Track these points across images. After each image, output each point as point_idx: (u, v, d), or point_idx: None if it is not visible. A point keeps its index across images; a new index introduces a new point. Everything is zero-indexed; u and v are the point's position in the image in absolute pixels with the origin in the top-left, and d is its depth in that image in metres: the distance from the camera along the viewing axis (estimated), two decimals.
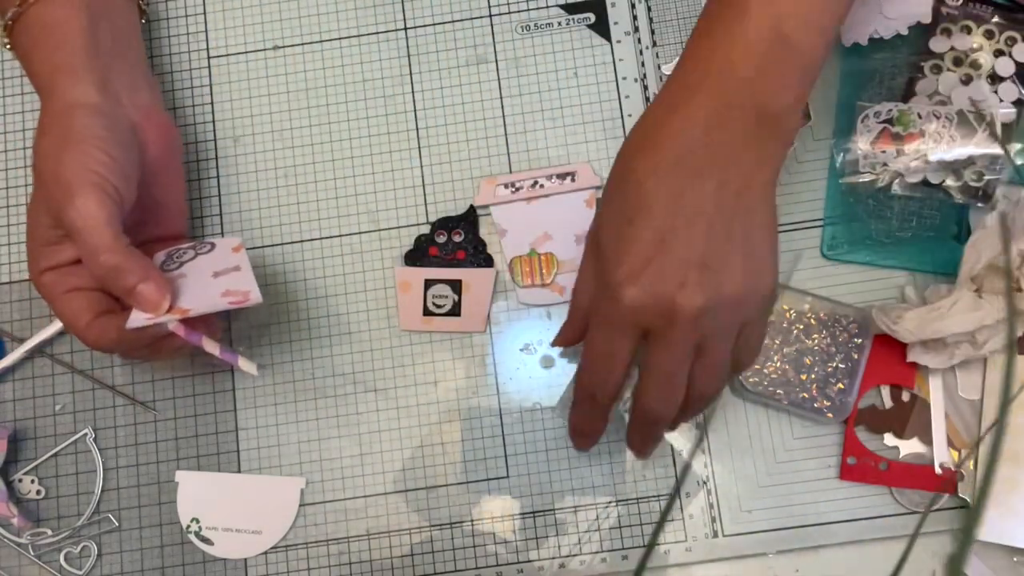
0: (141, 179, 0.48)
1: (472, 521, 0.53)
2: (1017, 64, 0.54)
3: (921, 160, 0.53)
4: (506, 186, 0.56)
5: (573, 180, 0.56)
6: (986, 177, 0.53)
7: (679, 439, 0.53)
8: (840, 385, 0.52)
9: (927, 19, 0.54)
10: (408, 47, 0.58)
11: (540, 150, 0.57)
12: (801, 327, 0.53)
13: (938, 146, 0.53)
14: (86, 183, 0.44)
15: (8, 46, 0.51)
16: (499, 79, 0.58)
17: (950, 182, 0.53)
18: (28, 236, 0.47)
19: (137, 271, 0.45)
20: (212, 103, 0.58)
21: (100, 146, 0.46)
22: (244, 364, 0.47)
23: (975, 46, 0.55)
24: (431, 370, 0.55)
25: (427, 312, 0.55)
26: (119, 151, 0.46)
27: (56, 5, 0.48)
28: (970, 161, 0.53)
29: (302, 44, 0.59)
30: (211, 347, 0.46)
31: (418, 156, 0.57)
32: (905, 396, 0.53)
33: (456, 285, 0.55)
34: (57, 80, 0.47)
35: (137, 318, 0.45)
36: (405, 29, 0.59)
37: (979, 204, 0.53)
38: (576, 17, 0.58)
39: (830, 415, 0.51)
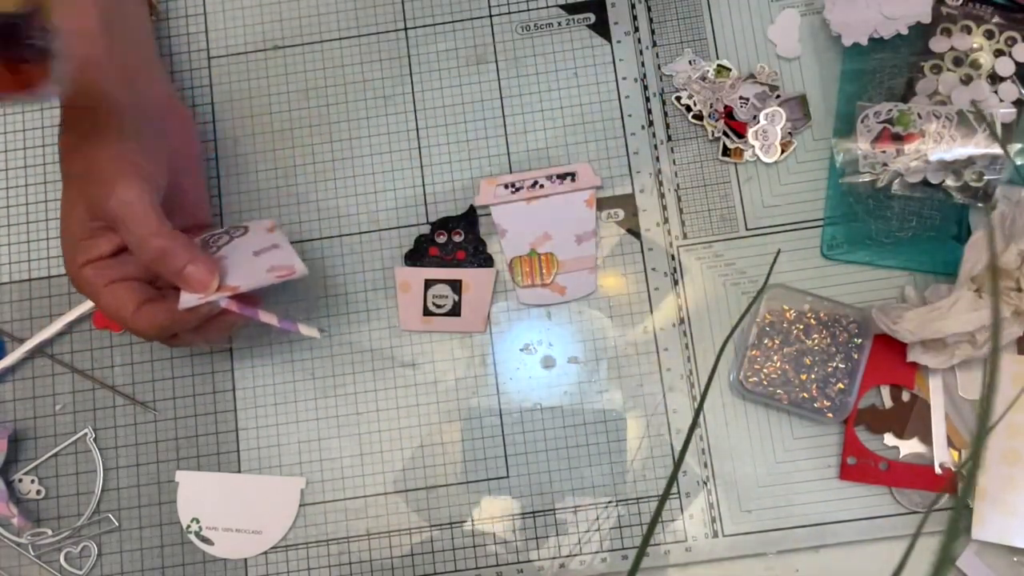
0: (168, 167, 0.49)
1: (472, 521, 0.53)
2: (1017, 64, 0.54)
3: (921, 160, 0.53)
4: (506, 186, 0.56)
5: (573, 180, 0.56)
6: (986, 177, 0.53)
7: (680, 439, 0.53)
8: (840, 385, 0.52)
9: (927, 19, 0.54)
10: (408, 47, 0.58)
11: (540, 150, 0.57)
12: (801, 327, 0.53)
13: (938, 146, 0.53)
14: (123, 172, 0.45)
15: None
16: (499, 79, 0.58)
17: (950, 182, 0.53)
18: (64, 233, 0.47)
19: (184, 253, 0.45)
20: (212, 103, 0.58)
21: (130, 136, 0.46)
22: (305, 329, 0.48)
23: (975, 46, 0.55)
24: (431, 370, 0.55)
25: (427, 312, 0.55)
26: (148, 140, 0.47)
27: (68, 4, 0.48)
28: (970, 161, 0.53)
29: (302, 44, 0.59)
30: (268, 318, 0.47)
31: (418, 156, 0.57)
32: (905, 396, 0.53)
33: (456, 285, 0.55)
34: (75, 76, 0.47)
35: (189, 299, 0.46)
36: (405, 29, 0.59)
37: (979, 204, 0.53)
38: (576, 17, 0.58)
39: (830, 415, 0.51)
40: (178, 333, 0.48)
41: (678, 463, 0.30)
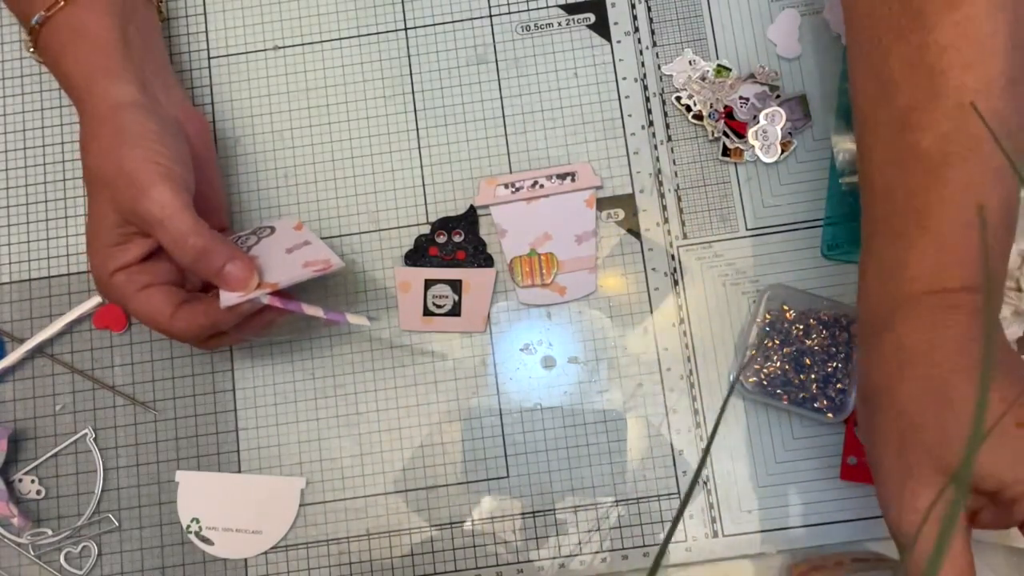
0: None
1: (472, 521, 0.53)
2: None
3: None
4: (506, 186, 0.56)
5: (573, 180, 0.56)
6: None
7: (680, 439, 0.53)
8: (840, 385, 0.52)
9: None
10: (408, 47, 0.58)
11: (540, 150, 0.57)
12: (801, 327, 0.53)
13: None
14: (155, 174, 0.45)
15: (33, 50, 0.51)
16: (499, 79, 0.58)
17: None
18: (92, 240, 0.47)
19: (223, 252, 0.46)
20: (212, 103, 0.58)
21: (157, 139, 0.46)
22: (353, 319, 0.48)
23: None
24: (431, 370, 0.55)
25: (427, 312, 0.55)
26: (174, 143, 0.47)
27: (84, 8, 0.48)
28: None
29: (302, 44, 0.59)
30: (313, 310, 0.47)
31: (418, 156, 0.57)
32: None
33: (456, 285, 0.55)
34: (95, 83, 0.47)
35: (229, 297, 0.46)
36: (405, 29, 0.59)
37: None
38: (576, 17, 0.58)
39: (830, 415, 0.51)
40: (218, 333, 0.48)
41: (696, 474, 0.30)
